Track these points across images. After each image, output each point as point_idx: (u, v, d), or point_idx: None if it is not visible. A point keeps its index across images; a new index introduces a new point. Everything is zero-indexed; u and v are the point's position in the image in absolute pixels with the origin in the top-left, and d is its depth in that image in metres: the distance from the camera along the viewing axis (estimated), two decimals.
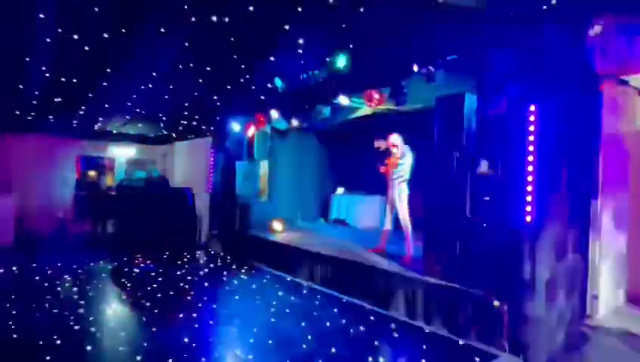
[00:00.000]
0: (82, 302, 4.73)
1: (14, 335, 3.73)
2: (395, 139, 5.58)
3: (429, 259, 4.42)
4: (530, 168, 3.35)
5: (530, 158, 3.36)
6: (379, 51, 4.78)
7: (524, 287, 3.50)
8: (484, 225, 3.77)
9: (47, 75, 6.55)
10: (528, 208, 3.35)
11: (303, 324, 4.16)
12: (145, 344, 3.64)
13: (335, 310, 4.64)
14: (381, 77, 4.90)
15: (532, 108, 3.37)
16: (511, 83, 3.58)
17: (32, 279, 5.70)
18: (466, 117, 4.06)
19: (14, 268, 6.18)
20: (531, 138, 3.36)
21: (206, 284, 5.72)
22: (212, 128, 9.21)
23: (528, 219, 3.36)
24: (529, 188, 3.35)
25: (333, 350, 3.54)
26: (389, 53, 4.63)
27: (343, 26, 5.26)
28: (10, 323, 3.98)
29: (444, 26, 4.17)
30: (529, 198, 3.35)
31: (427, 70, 4.19)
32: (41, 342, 3.56)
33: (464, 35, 3.96)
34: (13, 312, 4.30)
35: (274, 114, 7.01)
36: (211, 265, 6.95)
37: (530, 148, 3.36)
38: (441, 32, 4.21)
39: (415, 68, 4.27)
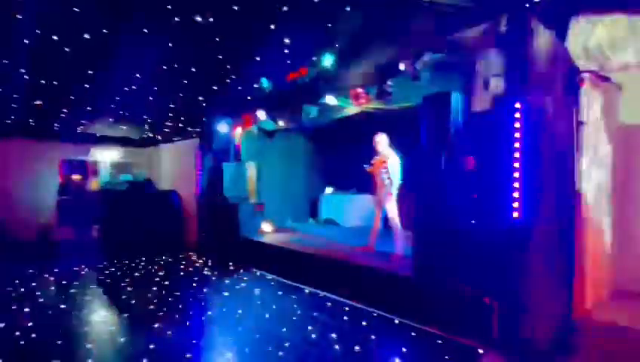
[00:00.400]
0: (69, 309, 4.62)
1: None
2: (381, 140, 5.59)
3: (419, 257, 4.42)
4: (516, 165, 3.37)
5: (517, 155, 3.38)
6: (365, 50, 4.78)
7: (512, 283, 3.53)
8: (472, 222, 3.78)
9: (27, 77, 6.38)
10: (515, 205, 3.38)
11: (291, 325, 4.13)
12: (133, 351, 3.56)
13: (324, 310, 4.62)
14: (367, 76, 4.90)
15: (517, 105, 3.39)
16: (496, 81, 3.60)
17: (14, 287, 5.55)
18: (453, 115, 4.07)
19: None
20: (517, 135, 3.38)
21: (194, 287, 5.64)
22: (198, 130, 9.11)
23: (515, 215, 3.38)
24: (516, 185, 3.37)
25: (324, 349, 3.52)
26: (375, 52, 4.63)
27: (329, 25, 5.26)
28: None
29: (429, 24, 4.19)
30: (516, 195, 3.37)
31: (413, 69, 4.19)
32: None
33: (450, 34, 3.97)
34: None
35: (261, 114, 6.96)
36: (199, 268, 6.86)
37: (517, 145, 3.38)
38: (426, 31, 4.23)
39: (402, 67, 4.27)
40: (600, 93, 4.56)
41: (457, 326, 3.86)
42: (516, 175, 3.37)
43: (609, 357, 3.49)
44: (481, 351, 3.52)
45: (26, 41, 5.45)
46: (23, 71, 6.23)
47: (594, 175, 4.42)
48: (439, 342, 3.75)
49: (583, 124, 4.25)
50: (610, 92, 4.80)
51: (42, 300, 5.02)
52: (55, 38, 5.49)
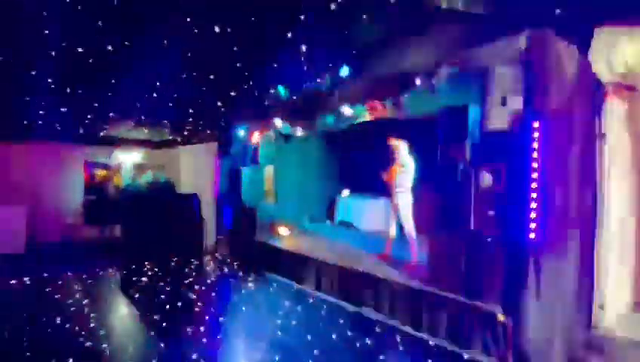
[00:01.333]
0: (91, 312, 4.82)
1: (25, 345, 3.85)
2: (399, 146, 5.56)
3: (434, 270, 4.43)
4: (534, 185, 3.34)
5: (534, 175, 3.34)
6: (381, 62, 4.78)
7: (528, 301, 3.51)
8: (489, 239, 3.77)
9: (53, 85, 6.63)
10: (532, 225, 3.35)
11: (308, 335, 4.21)
12: (155, 355, 3.71)
13: (340, 320, 4.68)
14: (383, 88, 4.89)
15: (536, 125, 3.35)
16: (514, 98, 3.56)
17: (43, 287, 5.82)
18: (470, 129, 4.04)
19: (26, 278, 6.31)
20: (535, 155, 3.34)
21: (213, 292, 5.79)
22: (217, 133, 9.26)
23: (532, 236, 3.35)
24: (533, 205, 3.34)
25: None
26: (391, 64, 4.62)
27: (346, 34, 5.27)
28: (21, 333, 4.09)
29: (446, 37, 4.16)
30: (533, 215, 3.34)
31: (430, 82, 4.17)
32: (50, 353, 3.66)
33: (468, 48, 3.93)
34: (24, 321, 4.42)
35: (277, 122, 7.03)
36: (218, 272, 7.02)
37: (534, 164, 3.35)
38: (444, 44, 4.19)
39: (418, 81, 4.25)
40: (624, 103, 4.43)
41: (471, 341, 3.86)
42: (534, 195, 3.33)
43: None
44: None
45: (52, 53, 5.66)
46: (50, 80, 6.47)
47: (617, 188, 4.31)
48: (453, 357, 3.77)
49: (606, 136, 4.15)
50: (635, 101, 4.66)
51: (72, 305, 5.26)
52: (80, 50, 5.68)
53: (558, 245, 3.53)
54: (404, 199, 5.47)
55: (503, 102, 3.59)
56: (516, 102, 3.55)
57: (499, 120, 3.65)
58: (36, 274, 6.55)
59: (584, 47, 3.90)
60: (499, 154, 3.66)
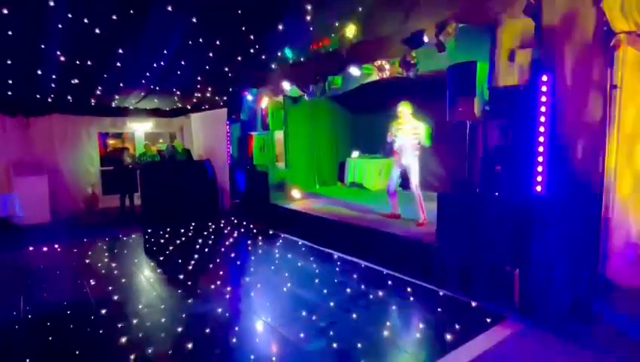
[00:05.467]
0: (121, 274, 5.16)
1: (64, 304, 4.20)
2: (404, 110, 5.57)
3: (443, 226, 4.58)
4: (541, 139, 3.38)
5: (542, 129, 3.38)
6: (388, 19, 4.69)
7: (534, 253, 3.64)
8: (496, 194, 3.87)
9: (62, 58, 6.68)
10: (539, 178, 3.43)
11: (324, 289, 4.47)
12: (184, 310, 4.01)
13: (354, 275, 4.92)
14: (391, 47, 4.83)
15: (544, 78, 3.34)
16: (523, 52, 3.52)
17: (72, 253, 6.20)
18: (479, 85, 4.04)
19: (56, 245, 6.70)
20: (543, 109, 3.36)
21: (231, 252, 6.08)
22: (226, 99, 9.29)
23: (539, 188, 3.44)
24: (540, 159, 3.40)
25: (353, 314, 3.83)
26: (398, 22, 4.54)
27: None
28: (55, 296, 4.44)
29: None
30: (540, 169, 3.41)
31: (438, 39, 4.12)
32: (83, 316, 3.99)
33: (474, 4, 3.85)
34: (59, 286, 4.78)
35: (285, 85, 7.02)
36: (234, 233, 7.31)
37: (542, 118, 3.37)
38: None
39: (426, 39, 4.20)
40: (638, 53, 4.32)
41: (479, 292, 4.06)
42: (540, 149, 3.39)
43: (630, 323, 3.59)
44: (501, 316, 3.73)
45: (59, 26, 5.68)
46: (59, 53, 6.52)
47: (628, 141, 4.30)
48: (462, 306, 3.98)
49: (617, 88, 4.10)
50: None
51: (102, 268, 5.61)
52: (86, 20, 5.68)
53: (566, 198, 3.60)
54: (411, 158, 5.55)
55: (512, 57, 3.57)
56: (525, 56, 3.51)
57: (507, 75, 3.63)
58: (63, 241, 6.94)
59: None
60: (507, 108, 3.68)
